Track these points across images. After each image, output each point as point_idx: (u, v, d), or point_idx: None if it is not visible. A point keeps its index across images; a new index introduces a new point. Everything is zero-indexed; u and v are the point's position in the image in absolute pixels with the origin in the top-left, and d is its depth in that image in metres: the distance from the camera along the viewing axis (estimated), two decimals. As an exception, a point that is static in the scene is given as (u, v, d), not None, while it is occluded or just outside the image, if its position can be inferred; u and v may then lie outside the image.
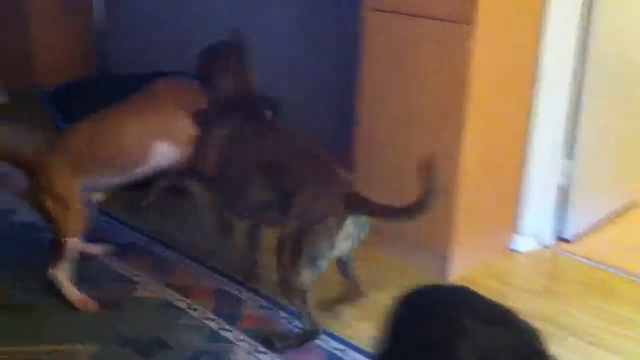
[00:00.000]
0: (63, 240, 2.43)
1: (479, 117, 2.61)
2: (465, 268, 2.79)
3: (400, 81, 2.73)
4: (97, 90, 3.59)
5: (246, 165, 2.35)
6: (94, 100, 2.99)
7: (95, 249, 2.75)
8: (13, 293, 2.54)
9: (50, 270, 2.46)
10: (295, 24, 3.65)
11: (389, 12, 2.71)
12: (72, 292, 2.47)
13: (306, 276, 2.19)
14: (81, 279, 2.54)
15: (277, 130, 2.47)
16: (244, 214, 2.48)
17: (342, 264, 2.40)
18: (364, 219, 2.21)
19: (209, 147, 2.44)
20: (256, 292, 2.60)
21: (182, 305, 2.51)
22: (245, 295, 2.58)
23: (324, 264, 2.20)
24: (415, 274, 2.77)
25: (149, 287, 2.61)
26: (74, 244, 2.46)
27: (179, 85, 2.64)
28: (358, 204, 2.17)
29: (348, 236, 2.20)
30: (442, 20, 2.56)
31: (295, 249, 2.17)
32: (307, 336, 2.29)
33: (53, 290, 2.48)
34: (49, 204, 2.42)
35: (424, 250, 2.78)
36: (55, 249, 2.45)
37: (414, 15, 2.63)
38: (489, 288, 2.65)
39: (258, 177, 2.30)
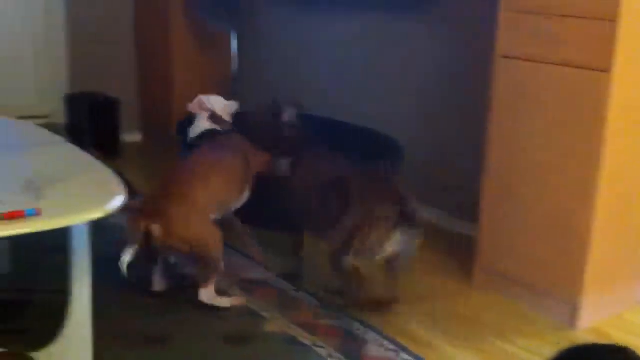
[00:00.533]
0: (215, 265, 2.66)
1: (613, 167, 2.56)
2: (595, 319, 2.71)
3: (531, 130, 2.72)
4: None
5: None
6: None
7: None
8: (147, 323, 2.66)
9: (202, 290, 2.68)
10: (425, 69, 3.71)
11: (521, 59, 2.71)
12: (224, 301, 2.71)
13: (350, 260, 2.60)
14: (210, 311, 2.66)
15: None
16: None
17: (390, 267, 2.72)
18: (414, 232, 2.62)
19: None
20: (380, 333, 2.62)
21: (308, 342, 2.55)
22: (369, 335, 2.60)
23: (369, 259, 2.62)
24: (543, 323, 2.72)
25: (276, 323, 2.68)
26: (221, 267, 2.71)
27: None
28: (409, 219, 2.57)
29: (396, 243, 2.59)
30: (576, 67, 2.54)
31: (347, 241, 2.58)
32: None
33: (180, 319, 2.61)
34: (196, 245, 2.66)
35: (554, 299, 2.73)
36: (204, 274, 2.68)
37: (548, 63, 2.63)
38: (619, 341, 2.56)
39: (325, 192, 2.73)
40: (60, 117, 4.84)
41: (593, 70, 2.49)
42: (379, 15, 3.86)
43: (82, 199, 2.00)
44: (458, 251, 3.28)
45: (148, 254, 2.62)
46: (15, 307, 2.62)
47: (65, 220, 1.85)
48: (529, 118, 2.72)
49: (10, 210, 1.76)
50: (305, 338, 2.58)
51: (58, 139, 2.68)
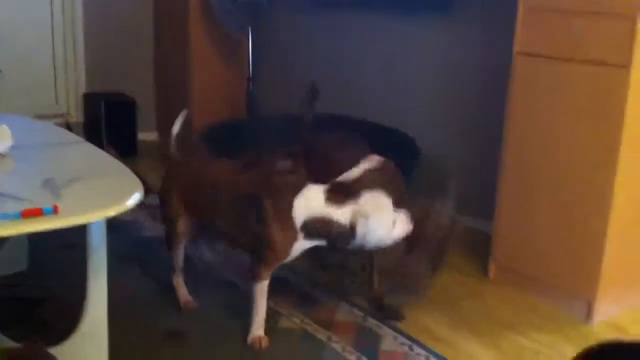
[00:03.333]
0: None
1: (631, 165, 2.55)
2: (611, 313, 2.71)
3: (548, 127, 2.72)
4: (244, 131, 3.80)
5: None
6: (240, 140, 3.20)
7: None
8: (164, 318, 2.68)
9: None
10: (443, 69, 3.71)
11: (539, 56, 2.71)
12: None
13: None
14: (230, 310, 2.68)
15: None
16: None
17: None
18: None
19: None
20: (395, 328, 2.63)
21: (323, 337, 2.57)
22: (384, 330, 2.61)
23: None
24: (559, 317, 2.72)
25: (292, 319, 2.69)
26: None
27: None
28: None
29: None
30: (595, 64, 2.53)
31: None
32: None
33: (196, 314, 2.64)
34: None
35: (570, 294, 2.73)
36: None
37: (565, 60, 2.62)
38: (635, 335, 2.55)
39: None
40: (79, 115, 4.90)
41: (612, 66, 2.48)
42: (398, 17, 3.87)
43: (100, 196, 2.02)
44: (474, 247, 3.29)
45: None
46: (32, 303, 2.66)
47: (82, 218, 1.87)
48: (546, 116, 2.72)
49: (29, 208, 1.79)
50: (320, 333, 2.59)
51: (76, 138, 2.71)
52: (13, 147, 2.34)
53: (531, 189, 2.80)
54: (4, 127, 2.36)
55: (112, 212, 1.88)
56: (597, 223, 2.59)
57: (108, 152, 2.49)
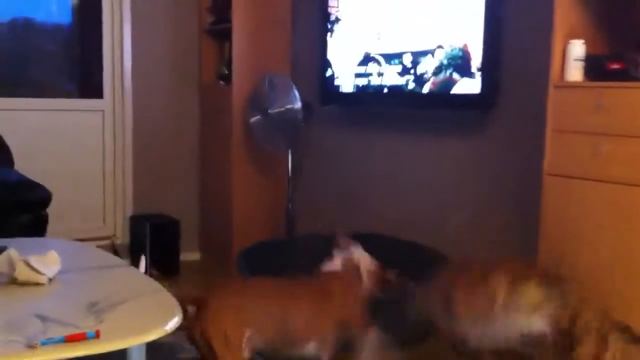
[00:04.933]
0: None
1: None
2: None
3: (579, 245, 2.74)
4: (282, 251, 3.88)
5: None
6: (278, 260, 3.27)
7: None
8: None
9: None
10: (476, 185, 3.77)
11: (568, 177, 2.78)
12: None
13: None
14: None
15: None
16: None
17: None
18: None
19: None
20: None
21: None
22: None
23: None
24: None
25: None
26: None
27: None
28: None
29: None
30: (621, 183, 2.59)
31: None
32: None
33: None
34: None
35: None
36: None
37: (593, 180, 2.68)
38: None
39: None
40: (125, 237, 5.05)
41: (633, 185, 2.54)
42: (430, 134, 3.99)
43: (140, 320, 2.08)
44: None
45: None
46: None
47: (123, 343, 1.94)
48: (577, 234, 2.75)
49: (73, 332, 1.85)
50: None
51: (119, 261, 2.81)
52: (60, 272, 2.44)
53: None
54: (53, 253, 2.47)
55: (152, 337, 1.95)
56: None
57: (151, 274, 2.57)
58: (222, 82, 4.99)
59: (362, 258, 2.94)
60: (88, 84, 5.19)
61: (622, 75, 2.65)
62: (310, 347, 2.70)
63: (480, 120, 3.67)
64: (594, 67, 2.76)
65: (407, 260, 3.38)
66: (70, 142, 4.90)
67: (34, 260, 2.39)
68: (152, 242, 4.76)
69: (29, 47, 5.04)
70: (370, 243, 3.24)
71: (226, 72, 4.92)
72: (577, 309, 2.48)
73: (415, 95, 3.87)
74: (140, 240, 4.83)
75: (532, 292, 2.55)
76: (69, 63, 5.32)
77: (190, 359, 3.33)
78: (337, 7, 4.37)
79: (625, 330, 2.42)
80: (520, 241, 3.43)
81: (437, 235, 3.78)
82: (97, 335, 1.86)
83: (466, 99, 3.59)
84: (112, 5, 4.93)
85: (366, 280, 2.90)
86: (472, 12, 3.50)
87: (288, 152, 4.67)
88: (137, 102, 5.00)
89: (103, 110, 4.98)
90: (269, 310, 2.63)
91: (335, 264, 2.94)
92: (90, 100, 5.01)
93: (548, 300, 2.51)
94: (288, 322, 2.64)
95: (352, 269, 2.90)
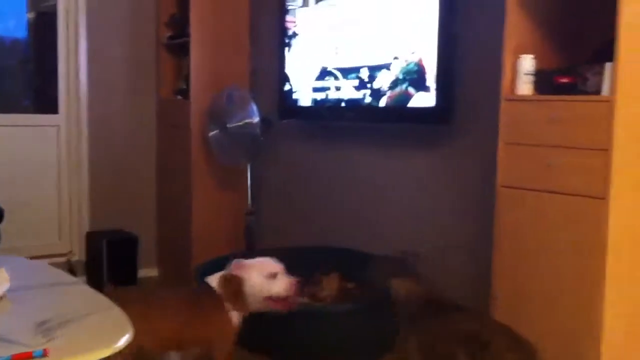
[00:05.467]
0: None
1: (620, 291, 2.57)
2: None
3: (536, 256, 2.77)
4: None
5: None
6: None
7: None
8: None
9: None
10: (434, 197, 3.80)
11: (521, 189, 2.81)
12: None
13: None
14: None
15: None
16: None
17: None
18: None
19: None
20: None
21: None
22: None
23: None
24: None
25: None
26: None
27: None
28: None
29: None
30: (574, 195, 2.62)
31: None
32: None
33: None
34: None
35: None
36: None
37: (547, 191, 2.72)
38: None
39: None
40: (81, 253, 4.97)
41: (590, 197, 2.57)
42: (388, 147, 4.01)
43: (91, 338, 2.04)
44: None
45: None
46: None
47: (72, 361, 1.90)
48: (532, 245, 2.78)
49: (19, 351, 1.81)
50: None
51: (72, 279, 2.76)
52: (9, 290, 2.39)
53: (522, 316, 2.81)
54: (2, 270, 2.41)
55: (101, 355, 1.90)
56: (592, 350, 2.58)
57: (107, 291, 2.52)
58: (180, 97, 4.96)
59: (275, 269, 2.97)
60: (43, 99, 5.14)
61: (571, 90, 2.69)
62: (172, 357, 2.82)
63: (437, 133, 3.70)
64: (544, 81, 2.80)
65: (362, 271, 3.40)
66: (25, 158, 4.83)
67: (-18, 278, 2.33)
68: (109, 258, 4.70)
69: (-17, 62, 4.98)
70: (324, 255, 3.26)
71: (184, 86, 4.90)
72: None
73: (372, 109, 3.89)
74: (97, 257, 4.77)
75: None
76: (24, 78, 5.26)
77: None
78: (295, 22, 4.38)
79: None
80: (477, 252, 3.46)
81: (398, 246, 3.78)
82: (45, 353, 1.82)
83: (422, 113, 3.63)
84: (67, 20, 4.88)
85: (257, 296, 2.91)
86: (426, 27, 3.54)
87: (247, 167, 4.65)
88: (92, 118, 4.95)
89: (58, 126, 4.93)
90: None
91: (214, 279, 2.96)
92: (46, 116, 4.95)
93: None
94: (157, 331, 2.71)
95: (231, 286, 2.90)
